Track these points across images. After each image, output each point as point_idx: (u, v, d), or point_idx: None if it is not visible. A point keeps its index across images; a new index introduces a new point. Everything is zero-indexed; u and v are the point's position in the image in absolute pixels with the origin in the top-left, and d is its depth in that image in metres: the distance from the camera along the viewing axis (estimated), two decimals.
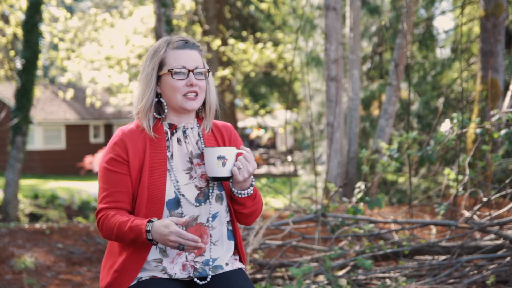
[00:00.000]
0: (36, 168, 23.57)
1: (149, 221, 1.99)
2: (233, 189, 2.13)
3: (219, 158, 2.07)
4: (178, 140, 2.18)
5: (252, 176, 2.13)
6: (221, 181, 2.10)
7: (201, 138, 2.21)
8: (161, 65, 2.15)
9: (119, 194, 2.09)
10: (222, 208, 2.17)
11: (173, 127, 2.18)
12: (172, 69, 2.12)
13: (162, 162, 2.12)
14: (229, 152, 2.08)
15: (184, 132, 2.19)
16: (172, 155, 2.15)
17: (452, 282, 4.16)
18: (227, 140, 2.27)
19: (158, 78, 2.15)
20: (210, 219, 2.14)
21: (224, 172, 2.08)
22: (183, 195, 2.11)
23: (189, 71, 2.13)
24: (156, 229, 1.97)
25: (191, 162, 2.17)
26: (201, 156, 2.19)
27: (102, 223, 2.09)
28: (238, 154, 2.12)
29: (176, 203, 2.10)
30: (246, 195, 2.14)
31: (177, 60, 2.13)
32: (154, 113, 2.16)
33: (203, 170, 2.16)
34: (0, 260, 5.52)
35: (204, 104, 2.22)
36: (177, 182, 2.11)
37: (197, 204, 2.12)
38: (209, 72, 2.20)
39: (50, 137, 24.38)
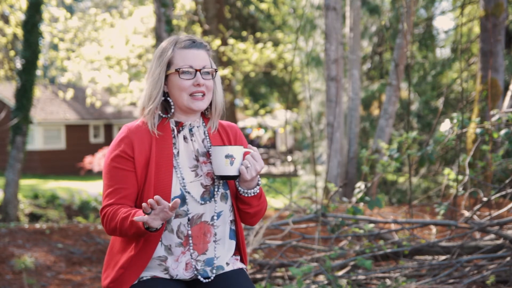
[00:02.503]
0: (36, 168, 23.56)
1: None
2: (239, 188, 2.13)
3: (227, 156, 2.07)
4: (185, 138, 2.18)
5: (258, 176, 2.13)
6: (229, 179, 2.10)
7: (207, 137, 2.21)
8: (168, 65, 2.14)
9: (123, 191, 2.09)
10: (226, 207, 2.17)
11: (179, 125, 2.18)
12: (179, 68, 2.12)
13: (168, 158, 2.12)
14: (237, 151, 2.08)
15: (190, 130, 2.19)
16: (178, 152, 2.15)
17: (452, 282, 4.16)
18: (233, 140, 2.27)
19: (166, 77, 2.15)
20: (215, 217, 2.14)
21: (232, 171, 2.08)
22: (188, 193, 2.11)
23: (196, 70, 2.13)
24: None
25: (197, 160, 2.17)
26: (207, 154, 2.19)
27: (106, 221, 2.08)
28: (245, 153, 2.12)
29: (181, 200, 2.10)
30: (253, 194, 2.14)
31: (184, 60, 2.13)
32: (160, 112, 2.16)
33: (209, 168, 2.16)
34: (0, 260, 5.52)
35: (210, 103, 2.22)
36: (183, 179, 2.11)
37: (202, 202, 2.12)
38: (216, 71, 2.19)
39: (50, 137, 24.37)
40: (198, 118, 2.22)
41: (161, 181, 2.09)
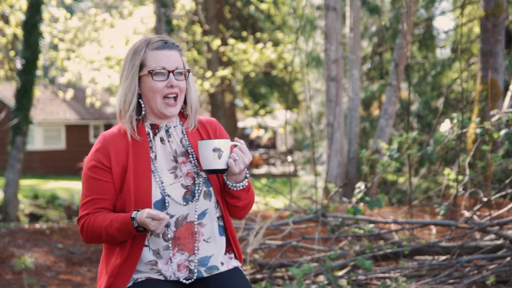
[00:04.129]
0: (36, 168, 23.56)
1: (132, 219, 2.01)
2: (228, 182, 2.11)
3: (214, 150, 2.04)
4: (162, 140, 2.16)
5: (246, 169, 2.11)
6: (217, 173, 2.08)
7: (185, 136, 2.20)
8: (141, 66, 2.13)
9: (100, 201, 2.10)
10: (211, 205, 2.16)
11: (155, 127, 2.17)
12: (152, 70, 2.10)
13: (146, 164, 2.11)
14: (224, 144, 2.06)
15: (167, 131, 2.17)
16: (155, 156, 2.14)
17: (452, 282, 4.16)
18: (212, 135, 2.24)
19: (138, 79, 2.13)
20: (196, 217, 2.12)
21: (220, 164, 2.05)
22: (169, 195, 2.10)
23: (169, 72, 2.11)
24: (140, 216, 1.99)
25: (176, 161, 2.15)
26: (186, 153, 2.17)
27: (86, 229, 2.09)
28: (232, 147, 2.10)
29: (163, 204, 2.09)
30: (241, 188, 2.12)
31: (156, 61, 2.11)
32: (135, 115, 2.15)
33: (188, 168, 2.15)
34: (0, 260, 5.51)
35: (185, 103, 2.21)
36: (162, 183, 2.10)
37: (185, 203, 2.11)
38: (189, 72, 2.18)
39: (50, 137, 24.38)
40: (174, 118, 2.20)
41: (141, 187, 2.09)
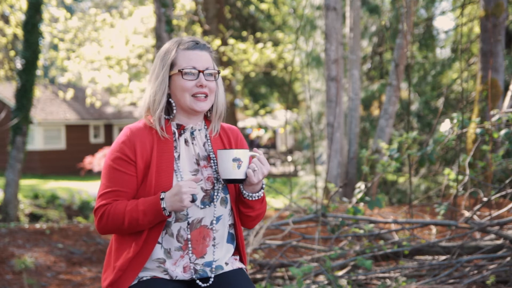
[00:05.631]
0: (36, 168, 23.57)
1: (161, 199, 2.01)
2: (244, 191, 2.12)
3: (234, 160, 2.05)
4: (186, 141, 2.17)
5: (263, 180, 2.13)
6: (235, 183, 2.09)
7: (209, 140, 2.20)
8: (171, 66, 2.14)
9: (120, 193, 2.08)
10: (226, 212, 2.17)
11: (181, 128, 2.17)
12: (182, 69, 2.11)
13: (169, 162, 2.11)
14: (244, 154, 2.07)
15: (191, 133, 2.18)
16: (179, 156, 2.14)
17: (452, 282, 4.16)
18: (234, 143, 2.26)
19: (169, 78, 2.14)
20: (214, 221, 2.14)
21: (239, 174, 2.06)
22: None
23: (199, 71, 2.12)
24: (168, 193, 2.00)
25: (198, 164, 2.16)
26: (208, 158, 2.18)
27: (107, 216, 2.06)
28: (250, 157, 2.11)
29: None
30: (257, 198, 2.13)
31: (187, 61, 2.12)
32: (164, 114, 2.15)
33: (209, 172, 2.15)
34: (0, 260, 5.52)
35: (211, 106, 2.22)
36: None
37: (202, 207, 2.11)
38: (219, 73, 2.19)
39: (50, 137, 24.39)
40: (200, 121, 2.20)
41: (162, 184, 2.08)
